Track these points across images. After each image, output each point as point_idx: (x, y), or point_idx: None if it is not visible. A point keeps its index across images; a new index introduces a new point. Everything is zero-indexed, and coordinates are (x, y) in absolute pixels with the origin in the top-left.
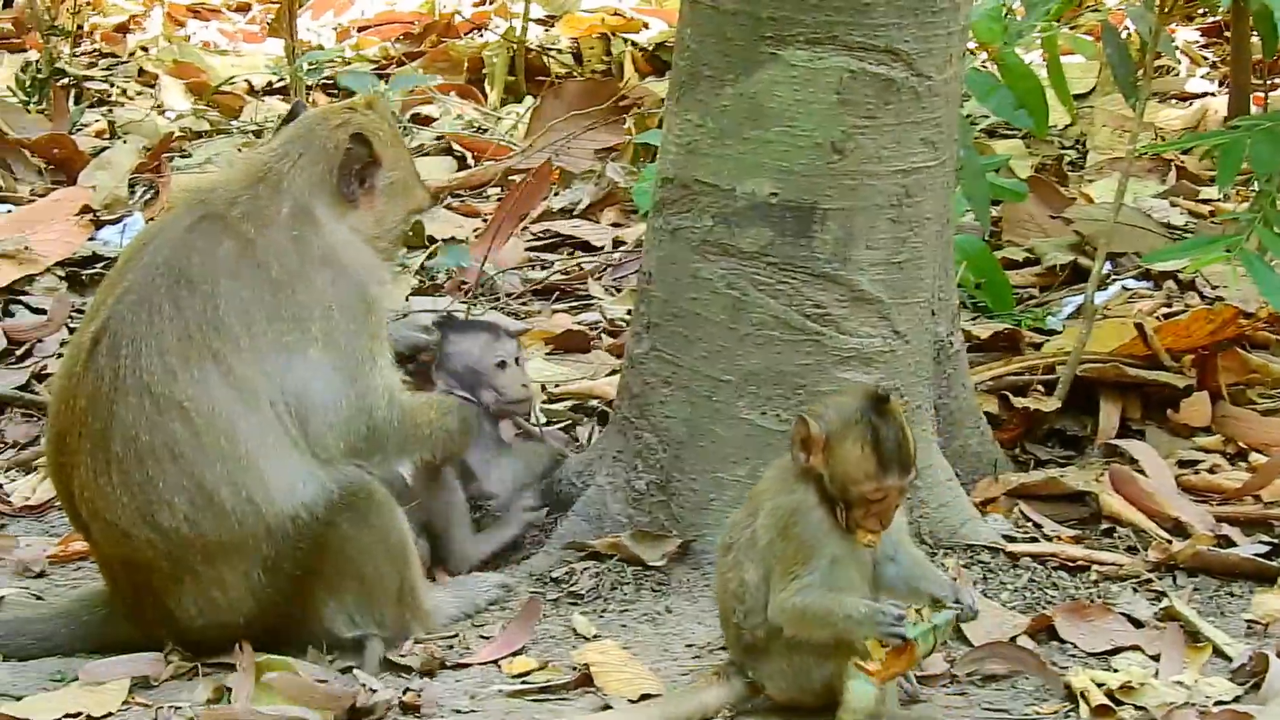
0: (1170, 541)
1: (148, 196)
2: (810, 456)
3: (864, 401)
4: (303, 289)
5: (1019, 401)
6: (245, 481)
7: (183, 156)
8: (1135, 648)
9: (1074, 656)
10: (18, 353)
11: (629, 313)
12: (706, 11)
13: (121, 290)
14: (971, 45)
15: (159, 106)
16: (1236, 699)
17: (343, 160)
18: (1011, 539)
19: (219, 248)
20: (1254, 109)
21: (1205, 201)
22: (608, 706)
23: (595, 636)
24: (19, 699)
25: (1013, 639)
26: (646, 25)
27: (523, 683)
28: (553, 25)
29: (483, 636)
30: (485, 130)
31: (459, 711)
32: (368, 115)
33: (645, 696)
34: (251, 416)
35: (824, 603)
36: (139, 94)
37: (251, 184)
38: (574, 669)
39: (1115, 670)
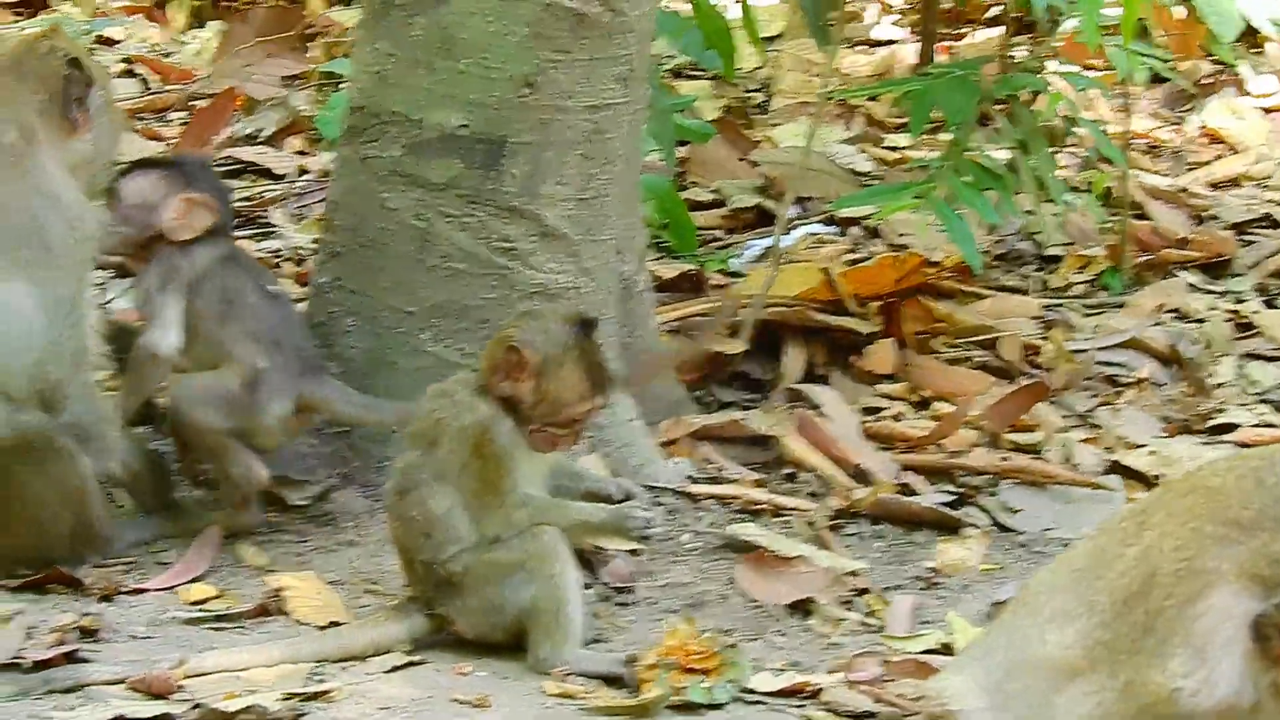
0: (853, 488)
1: None
2: (517, 381)
3: (572, 326)
4: (17, 213)
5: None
6: None
7: None
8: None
9: (757, 608)
10: None
11: (313, 242)
12: None
13: None
14: None
15: None
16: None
17: (64, 87)
18: (694, 480)
19: None
20: (941, 58)
21: (891, 148)
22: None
23: (268, 568)
24: None
25: None
26: None
27: (200, 610)
28: None
29: (161, 563)
30: (170, 55)
31: (135, 637)
32: (66, 39)
33: (334, 624)
34: None
35: (550, 508)
36: None
37: None
38: (252, 598)
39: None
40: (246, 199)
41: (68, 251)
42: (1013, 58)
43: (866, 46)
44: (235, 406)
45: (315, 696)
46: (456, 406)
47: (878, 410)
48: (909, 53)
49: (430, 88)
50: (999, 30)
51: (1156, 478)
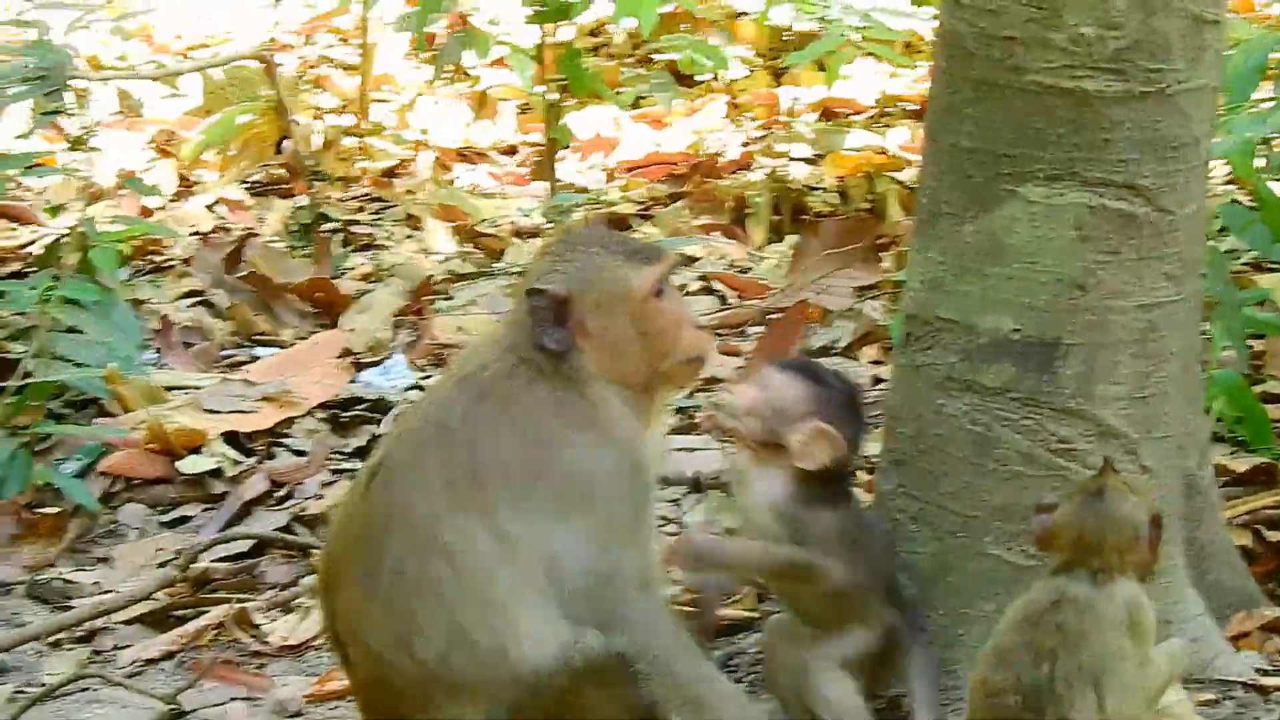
0: None
1: (410, 339)
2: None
3: (1112, 474)
4: (564, 453)
5: (1273, 535)
6: (499, 627)
7: (445, 299)
8: None
9: None
10: (279, 494)
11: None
12: (946, 150)
13: (399, 432)
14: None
15: (424, 249)
16: None
17: (534, 321)
18: (1265, 673)
19: (479, 405)
20: None
21: None
22: None
23: None
24: None
25: None
26: (911, 163)
27: None
28: (818, 164)
29: None
30: (748, 270)
31: None
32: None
33: None
34: (509, 567)
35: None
36: (406, 237)
37: (496, 351)
38: None
39: None
40: None
41: (619, 481)
42: None
43: None
44: (872, 671)
45: None
46: (1092, 601)
47: None
48: None
49: (981, 293)
50: None
51: None
